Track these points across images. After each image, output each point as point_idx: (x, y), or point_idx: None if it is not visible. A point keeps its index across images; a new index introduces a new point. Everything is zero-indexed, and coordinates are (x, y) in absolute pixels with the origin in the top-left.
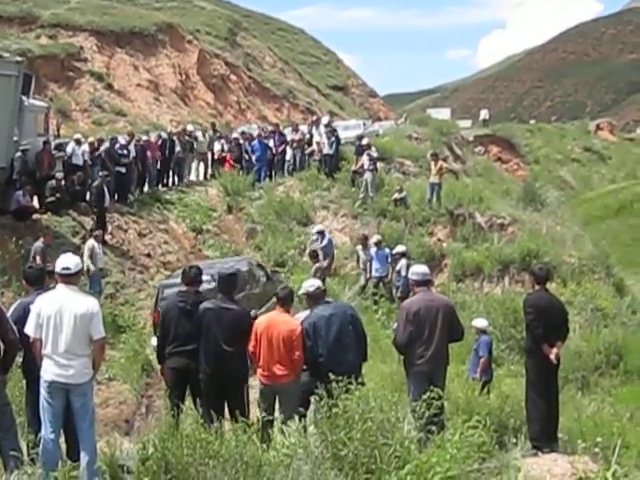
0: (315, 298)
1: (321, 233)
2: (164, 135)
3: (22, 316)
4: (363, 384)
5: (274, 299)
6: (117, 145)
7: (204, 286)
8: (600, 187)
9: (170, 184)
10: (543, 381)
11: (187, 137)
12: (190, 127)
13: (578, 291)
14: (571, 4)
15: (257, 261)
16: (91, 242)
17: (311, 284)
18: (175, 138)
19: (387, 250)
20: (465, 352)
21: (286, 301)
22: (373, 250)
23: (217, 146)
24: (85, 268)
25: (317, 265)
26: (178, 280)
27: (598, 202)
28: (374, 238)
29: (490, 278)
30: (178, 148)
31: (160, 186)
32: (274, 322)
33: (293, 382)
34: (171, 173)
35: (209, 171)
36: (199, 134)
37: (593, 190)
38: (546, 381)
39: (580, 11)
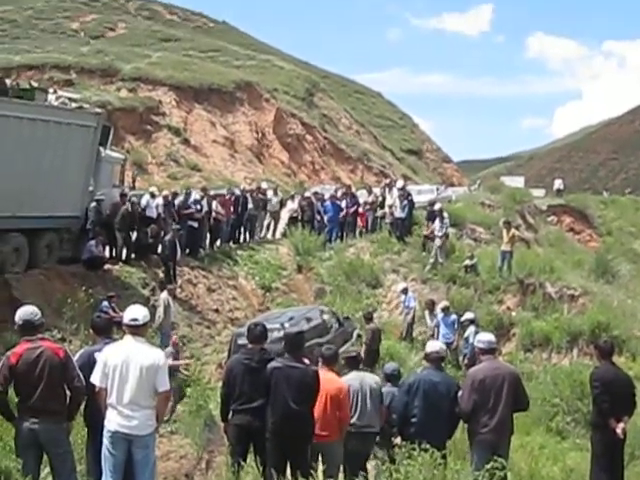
0: (430, 361)
1: (405, 291)
2: (237, 192)
3: (87, 364)
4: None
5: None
6: (190, 199)
7: (274, 334)
8: None
9: (241, 241)
10: (608, 456)
11: (261, 195)
12: (264, 185)
13: None
14: None
15: (329, 308)
16: (165, 295)
17: (432, 345)
18: (248, 195)
19: (454, 316)
20: (530, 422)
21: (331, 361)
22: (440, 316)
23: (290, 205)
24: (157, 322)
25: (370, 326)
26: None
27: None
28: (441, 304)
29: (558, 349)
30: (250, 205)
31: (232, 242)
32: (320, 381)
33: (337, 442)
34: (242, 230)
35: (280, 229)
36: (270, 192)
37: None
38: (611, 456)
39: None
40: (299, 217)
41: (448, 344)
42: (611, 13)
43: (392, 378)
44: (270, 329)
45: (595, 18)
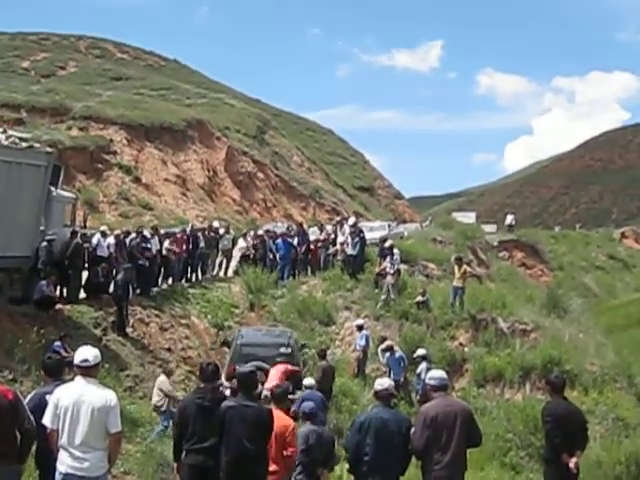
0: (379, 398)
1: (360, 328)
2: (188, 230)
3: (38, 405)
4: None
5: None
6: (139, 238)
7: (281, 350)
8: (624, 295)
9: (193, 279)
10: None
11: (212, 233)
12: (216, 224)
13: (599, 400)
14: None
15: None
16: (163, 378)
17: (381, 383)
18: (199, 233)
19: (399, 354)
20: (484, 458)
21: (280, 399)
22: (386, 355)
23: (242, 243)
24: (156, 403)
25: (322, 364)
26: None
27: (622, 310)
28: (384, 344)
29: (511, 384)
30: (202, 244)
31: (184, 281)
32: None
33: (284, 478)
34: (194, 268)
35: (232, 268)
36: (222, 230)
37: (617, 298)
38: None
39: (607, 119)
40: (251, 255)
41: (396, 381)
42: (560, 50)
43: (311, 416)
44: (276, 344)
45: (544, 55)
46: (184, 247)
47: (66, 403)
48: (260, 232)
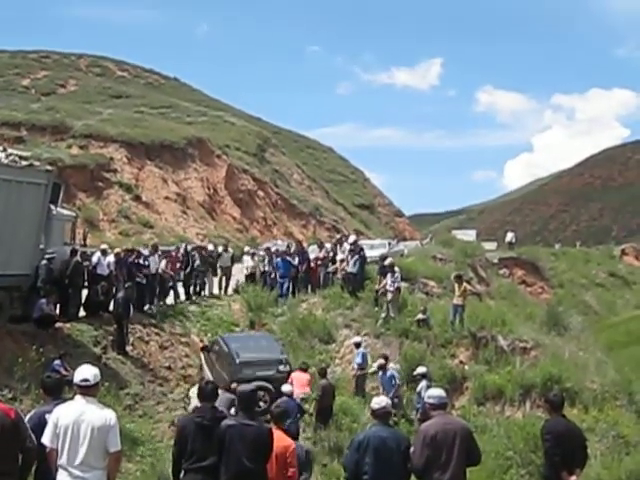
0: (377, 417)
1: (358, 345)
2: (182, 249)
3: (38, 424)
4: None
5: None
6: (135, 256)
7: (281, 367)
8: (624, 312)
9: (193, 297)
10: None
11: (204, 252)
12: (210, 247)
13: (600, 418)
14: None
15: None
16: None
17: (378, 402)
18: (196, 252)
19: (390, 373)
20: (484, 476)
21: (279, 419)
22: (380, 374)
23: (249, 262)
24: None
25: (322, 382)
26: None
27: (622, 328)
28: (376, 363)
29: (511, 402)
30: (198, 262)
31: (184, 298)
32: None
33: None
34: (190, 286)
35: (232, 285)
36: (220, 249)
37: (617, 315)
38: None
39: (606, 136)
40: (257, 273)
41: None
42: (559, 67)
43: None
44: (272, 360)
45: (544, 72)
46: (178, 265)
47: (66, 422)
48: (270, 249)
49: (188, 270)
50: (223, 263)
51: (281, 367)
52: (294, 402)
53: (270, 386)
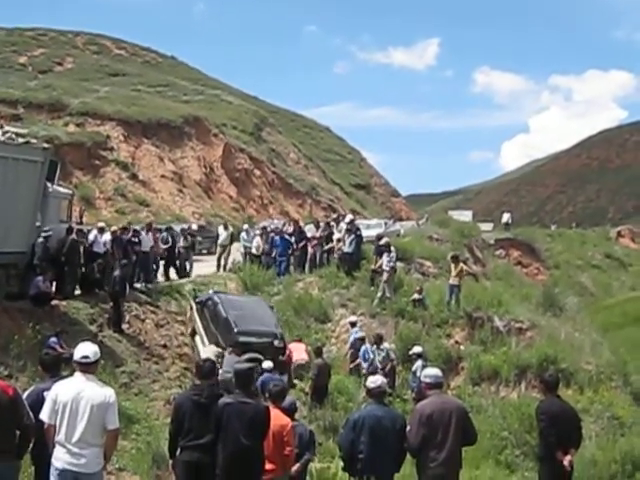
0: (372, 396)
1: (353, 324)
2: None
3: (36, 402)
4: None
5: None
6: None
7: (276, 342)
8: (620, 294)
9: (178, 275)
10: None
11: (190, 236)
12: (195, 227)
13: (595, 399)
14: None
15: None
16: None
17: (373, 380)
18: (179, 231)
19: (365, 347)
20: (479, 456)
21: (277, 397)
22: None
23: (257, 241)
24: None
25: (318, 361)
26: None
27: (617, 309)
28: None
29: (507, 382)
30: (181, 242)
31: (164, 277)
32: None
33: (281, 477)
34: (173, 265)
35: (229, 264)
36: (220, 228)
37: (613, 297)
38: None
39: (604, 118)
40: (262, 251)
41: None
42: (557, 48)
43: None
44: (268, 333)
45: (541, 53)
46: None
47: (65, 399)
48: (271, 227)
49: (170, 248)
50: (222, 241)
51: (276, 342)
52: (277, 377)
53: (262, 357)
